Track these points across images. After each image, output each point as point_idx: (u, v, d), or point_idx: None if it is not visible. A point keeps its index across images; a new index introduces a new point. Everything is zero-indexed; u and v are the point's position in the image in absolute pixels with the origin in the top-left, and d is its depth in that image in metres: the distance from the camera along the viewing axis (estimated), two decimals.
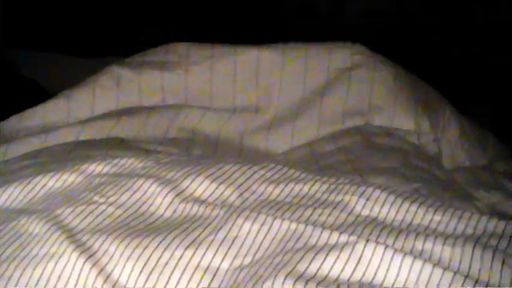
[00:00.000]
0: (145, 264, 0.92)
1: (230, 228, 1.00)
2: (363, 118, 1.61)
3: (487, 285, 0.88)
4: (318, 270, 0.90)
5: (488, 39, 2.20)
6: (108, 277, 0.91)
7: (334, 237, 0.97)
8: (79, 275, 0.91)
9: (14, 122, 1.58)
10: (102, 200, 1.07)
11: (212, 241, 0.97)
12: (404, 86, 1.66)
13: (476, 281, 0.88)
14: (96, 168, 1.17)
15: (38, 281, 0.91)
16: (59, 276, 0.91)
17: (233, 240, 0.97)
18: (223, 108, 1.66)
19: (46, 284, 0.91)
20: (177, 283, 0.90)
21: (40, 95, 1.85)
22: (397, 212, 1.07)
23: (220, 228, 1.00)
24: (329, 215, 1.04)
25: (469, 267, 0.92)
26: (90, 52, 2.21)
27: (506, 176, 1.67)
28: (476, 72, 2.17)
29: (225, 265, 0.93)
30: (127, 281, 0.90)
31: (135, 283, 0.90)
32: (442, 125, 1.65)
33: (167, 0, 2.29)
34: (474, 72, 2.17)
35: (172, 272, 0.91)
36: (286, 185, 1.12)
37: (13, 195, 1.12)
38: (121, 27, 2.31)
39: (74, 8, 2.32)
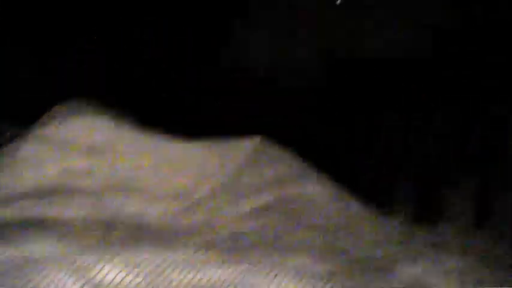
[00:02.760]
0: None
1: None
2: (279, 192, 1.64)
3: None
4: None
5: None
6: None
7: None
8: None
9: None
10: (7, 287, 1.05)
11: None
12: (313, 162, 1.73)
13: None
14: (5, 253, 1.15)
15: None
16: None
17: None
18: (147, 192, 1.67)
19: None
20: None
21: None
22: None
23: None
24: None
25: None
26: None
27: (431, 246, 1.69)
28: None
29: None
30: None
31: None
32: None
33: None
34: None
35: None
36: (198, 270, 1.12)
37: None
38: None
39: None
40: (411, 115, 2.19)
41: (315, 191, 1.65)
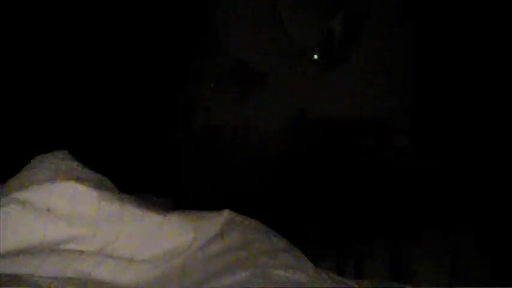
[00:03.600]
0: None
1: None
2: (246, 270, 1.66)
3: None
4: None
5: None
6: None
7: None
8: None
9: None
10: None
11: None
12: (273, 233, 1.79)
13: None
14: None
15: None
16: None
17: None
18: (122, 257, 1.69)
19: None
20: None
21: None
22: None
23: None
24: None
25: None
26: None
27: None
28: None
29: None
30: None
31: None
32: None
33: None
34: None
35: None
36: None
37: None
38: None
39: None
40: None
41: (284, 248, 1.68)
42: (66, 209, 1.72)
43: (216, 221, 1.82)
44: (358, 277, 2.06)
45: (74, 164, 1.89)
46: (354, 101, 2.40)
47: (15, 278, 1.46)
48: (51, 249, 1.64)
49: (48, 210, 1.70)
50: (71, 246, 1.69)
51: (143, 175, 1.92)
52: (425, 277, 2.15)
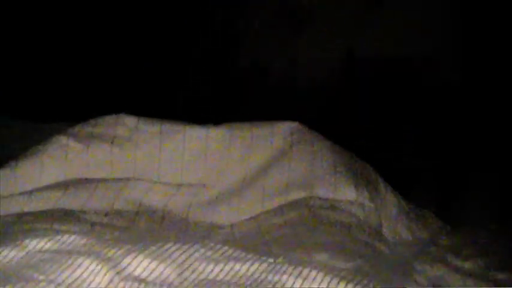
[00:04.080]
0: None
1: None
2: (305, 190, 1.64)
3: None
4: None
5: None
6: None
7: None
8: None
9: None
10: (41, 277, 1.08)
11: None
12: (342, 160, 1.72)
13: None
14: (37, 244, 1.17)
15: None
16: None
17: None
18: (170, 182, 1.68)
19: None
20: None
21: None
22: None
23: None
24: None
25: None
26: (40, 117, 2.22)
27: (449, 250, 1.71)
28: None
29: None
30: None
31: None
32: (380, 199, 1.69)
33: (119, 67, 2.33)
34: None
35: None
36: (226, 264, 1.14)
37: None
38: (72, 93, 2.33)
39: (25, 73, 2.33)
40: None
41: (338, 188, 1.67)
42: (107, 134, 1.74)
43: (279, 133, 1.75)
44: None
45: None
46: (403, 39, 2.35)
47: (68, 214, 1.49)
48: (98, 180, 1.66)
49: (91, 137, 1.72)
50: (114, 169, 1.70)
51: (188, 116, 1.92)
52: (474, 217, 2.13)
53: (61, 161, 1.66)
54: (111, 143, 1.70)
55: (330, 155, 1.73)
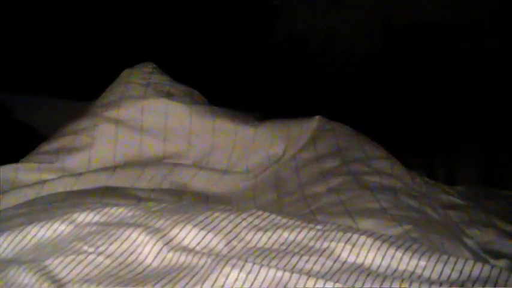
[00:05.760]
0: None
1: (217, 277, 1.01)
2: (338, 156, 1.66)
3: None
4: None
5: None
6: None
7: (320, 284, 0.98)
8: None
9: (11, 173, 1.59)
10: (91, 249, 1.09)
11: None
12: (371, 142, 1.75)
13: None
14: (86, 217, 1.18)
15: None
16: None
17: None
18: (216, 169, 1.71)
19: None
20: None
21: (32, 139, 1.87)
22: (382, 258, 1.08)
23: (208, 277, 1.01)
24: (315, 262, 1.05)
25: None
26: (80, 95, 2.24)
27: (497, 214, 1.69)
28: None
29: None
30: None
31: None
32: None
33: (156, 42, 2.33)
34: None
35: None
36: (274, 232, 1.14)
37: (3, 245, 1.13)
38: (109, 71, 2.34)
39: (63, 52, 2.35)
40: None
41: (377, 155, 1.66)
42: (159, 125, 1.75)
43: (307, 128, 1.80)
44: (451, 184, 2.02)
45: (163, 78, 1.89)
46: (442, 4, 2.31)
47: (116, 190, 1.51)
48: (147, 163, 1.68)
49: (141, 128, 1.73)
50: (166, 159, 1.73)
51: (231, 88, 1.92)
52: None
53: (110, 153, 1.69)
54: (164, 139, 1.73)
55: (354, 135, 1.77)
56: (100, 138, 1.69)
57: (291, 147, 1.77)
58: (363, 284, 0.99)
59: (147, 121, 1.74)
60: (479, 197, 1.79)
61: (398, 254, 1.08)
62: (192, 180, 1.67)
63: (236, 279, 1.00)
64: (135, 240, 1.10)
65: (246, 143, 1.77)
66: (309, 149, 1.73)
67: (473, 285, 1.01)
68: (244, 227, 1.14)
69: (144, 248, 1.10)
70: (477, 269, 1.06)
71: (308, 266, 1.05)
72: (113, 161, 1.68)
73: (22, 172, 1.60)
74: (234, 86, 2.27)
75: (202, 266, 1.04)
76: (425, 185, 1.67)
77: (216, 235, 1.11)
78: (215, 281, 1.00)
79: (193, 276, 1.02)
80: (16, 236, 1.14)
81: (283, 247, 1.11)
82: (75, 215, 1.18)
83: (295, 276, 1.00)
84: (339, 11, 2.31)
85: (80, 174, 1.60)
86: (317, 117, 1.84)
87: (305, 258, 1.06)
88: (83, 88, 2.33)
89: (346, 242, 1.10)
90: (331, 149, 1.70)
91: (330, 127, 1.80)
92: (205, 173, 1.69)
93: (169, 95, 1.80)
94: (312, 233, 1.14)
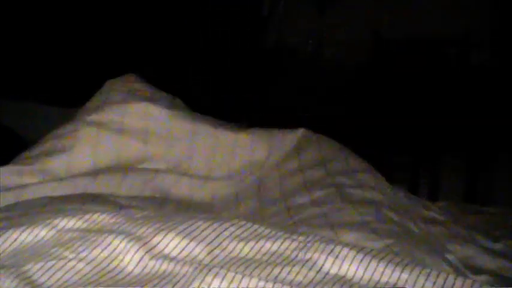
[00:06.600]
0: None
1: (199, 286, 1.00)
2: (321, 167, 1.65)
3: None
4: None
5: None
6: None
7: None
8: None
9: None
10: (72, 255, 1.08)
11: None
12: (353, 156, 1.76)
13: None
14: (68, 223, 1.17)
15: None
16: None
17: None
18: (198, 175, 1.71)
19: None
20: None
21: (16, 144, 1.86)
22: (365, 270, 1.08)
23: (189, 285, 1.00)
24: (297, 273, 1.05)
25: None
26: (67, 101, 2.23)
27: (478, 230, 1.70)
28: None
29: None
30: None
31: None
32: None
33: (145, 49, 2.33)
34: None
35: None
36: (256, 242, 1.13)
37: None
38: (99, 77, 2.33)
39: (52, 58, 2.34)
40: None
41: (360, 168, 1.67)
42: (139, 128, 1.75)
43: (291, 138, 1.80)
44: (433, 199, 2.04)
45: (145, 85, 1.90)
46: (431, 18, 2.33)
47: (98, 197, 1.50)
48: (128, 169, 1.67)
49: (122, 130, 1.73)
50: (146, 165, 1.72)
51: (215, 95, 1.92)
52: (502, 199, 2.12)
53: (90, 158, 1.68)
54: (144, 141, 1.73)
55: (339, 148, 1.77)
56: (81, 141, 1.69)
57: (273, 155, 1.76)
58: None
59: (128, 124, 1.74)
60: (460, 213, 1.80)
61: (381, 267, 1.08)
62: (174, 187, 1.66)
63: None
64: (116, 247, 1.10)
65: (226, 148, 1.77)
66: (293, 158, 1.73)
67: None
68: (227, 237, 1.14)
69: (126, 255, 1.09)
70: (458, 283, 1.06)
71: (290, 276, 1.05)
72: (93, 163, 1.67)
73: (2, 176, 1.59)
74: (222, 94, 2.28)
75: (184, 275, 1.03)
76: (407, 200, 1.68)
77: (198, 244, 1.11)
78: None
79: (175, 284, 1.01)
80: None
81: (266, 257, 1.11)
82: (56, 221, 1.17)
83: (277, 286, 1.00)
84: (329, 20, 2.32)
85: (61, 179, 1.59)
86: (301, 129, 1.84)
87: (287, 268, 1.06)
88: (70, 95, 2.32)
89: (328, 254, 1.10)
90: (315, 160, 1.70)
91: (314, 138, 1.80)
92: (187, 180, 1.69)
93: (150, 100, 1.80)
94: (295, 244, 1.14)
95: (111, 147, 1.70)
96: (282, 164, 1.73)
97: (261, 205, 1.59)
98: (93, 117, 1.75)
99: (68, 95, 2.32)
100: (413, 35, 2.31)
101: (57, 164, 1.65)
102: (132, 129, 1.74)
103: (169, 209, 1.52)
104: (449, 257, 1.39)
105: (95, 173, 1.63)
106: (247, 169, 1.75)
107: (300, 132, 1.83)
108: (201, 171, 1.73)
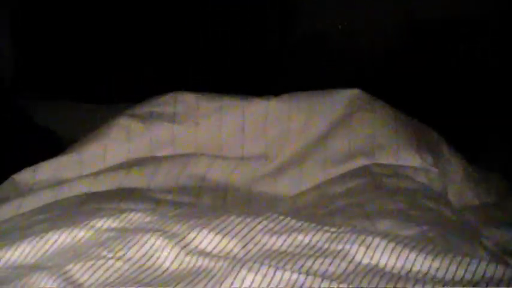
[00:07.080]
0: None
1: (233, 280, 1.03)
2: (367, 158, 1.64)
3: None
4: None
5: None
6: None
7: (334, 286, 1.00)
8: None
9: (28, 176, 1.62)
10: (110, 254, 1.11)
11: None
12: (404, 126, 1.71)
13: None
14: (105, 223, 1.21)
15: None
16: None
17: None
18: (231, 156, 1.71)
19: None
20: None
21: (53, 143, 1.90)
22: (396, 259, 1.09)
23: (224, 280, 1.03)
24: (330, 264, 1.07)
25: None
26: (100, 98, 2.26)
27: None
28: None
29: None
30: None
31: None
32: (444, 163, 1.68)
33: (175, 47, 2.35)
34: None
35: None
36: (289, 235, 1.15)
37: (25, 251, 1.16)
38: (131, 74, 2.36)
39: (85, 56, 2.38)
40: None
41: (401, 154, 1.66)
42: (168, 112, 1.76)
43: (340, 100, 1.75)
44: None
45: None
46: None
47: (134, 193, 1.53)
48: (160, 160, 1.69)
49: (152, 114, 1.75)
50: (176, 145, 1.73)
51: (238, 87, 1.92)
52: None
53: (124, 143, 1.70)
54: (172, 121, 1.73)
55: (392, 121, 1.72)
56: (115, 127, 1.72)
57: (315, 121, 1.73)
58: (377, 285, 1.01)
59: (158, 110, 1.77)
60: (500, 195, 1.77)
61: (413, 255, 1.09)
62: (208, 172, 1.67)
63: (252, 282, 1.02)
64: (153, 245, 1.13)
65: (258, 119, 1.75)
66: (339, 133, 1.70)
67: (486, 286, 1.02)
68: (260, 231, 1.16)
69: (162, 252, 1.12)
70: (491, 270, 1.07)
71: (323, 268, 1.06)
72: (128, 149, 1.69)
73: (40, 172, 1.63)
74: (254, 80, 2.29)
75: (219, 269, 1.06)
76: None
77: (232, 239, 1.14)
78: (231, 283, 1.02)
79: (211, 279, 1.04)
80: (37, 242, 1.17)
81: (298, 250, 1.13)
82: (94, 221, 1.21)
83: (309, 278, 1.02)
84: (356, 7, 2.30)
85: (97, 173, 1.62)
86: (356, 90, 1.77)
87: (320, 260, 1.08)
88: (103, 92, 2.36)
89: (360, 244, 1.12)
90: (364, 143, 1.67)
91: (369, 107, 1.75)
92: (221, 162, 1.69)
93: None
94: (327, 235, 1.16)
95: (143, 132, 1.72)
96: (325, 139, 1.69)
97: (298, 187, 1.60)
98: (129, 111, 1.79)
99: (100, 92, 2.35)
100: (447, 16, 2.28)
101: (93, 150, 1.68)
102: (162, 113, 1.76)
103: (205, 201, 1.54)
104: (486, 242, 1.39)
105: (129, 165, 1.65)
106: (284, 141, 1.72)
107: (354, 93, 1.77)
108: (234, 149, 1.72)
